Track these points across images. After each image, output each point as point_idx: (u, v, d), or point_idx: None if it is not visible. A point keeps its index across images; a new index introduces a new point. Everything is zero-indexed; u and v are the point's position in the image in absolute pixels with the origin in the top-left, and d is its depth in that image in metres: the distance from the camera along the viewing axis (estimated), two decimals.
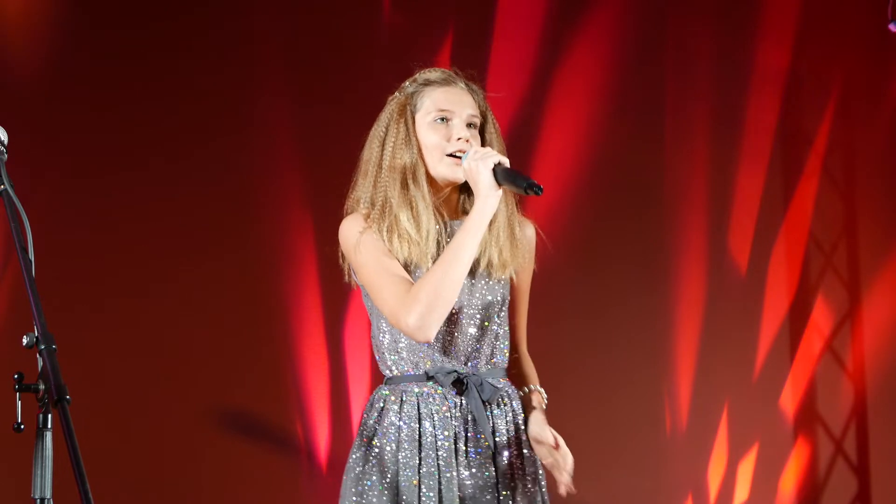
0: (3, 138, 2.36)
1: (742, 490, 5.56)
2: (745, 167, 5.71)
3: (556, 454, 2.79)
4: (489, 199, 2.73)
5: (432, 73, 2.94)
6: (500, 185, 2.74)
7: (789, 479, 5.64)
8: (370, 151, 2.90)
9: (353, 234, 2.82)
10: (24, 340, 2.09)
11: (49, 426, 2.05)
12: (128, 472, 4.79)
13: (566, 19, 5.57)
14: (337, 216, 3.00)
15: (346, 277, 2.94)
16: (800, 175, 5.77)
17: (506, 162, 2.75)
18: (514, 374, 2.96)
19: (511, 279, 2.92)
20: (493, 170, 2.73)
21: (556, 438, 2.79)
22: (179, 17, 5.11)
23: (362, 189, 2.88)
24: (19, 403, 2.06)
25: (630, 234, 5.56)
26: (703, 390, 5.54)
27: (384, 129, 2.89)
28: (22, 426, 2.07)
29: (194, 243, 5.01)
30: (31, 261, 2.17)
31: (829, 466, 5.69)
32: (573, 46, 5.57)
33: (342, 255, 2.90)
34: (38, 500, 2.03)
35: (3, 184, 2.29)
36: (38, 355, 2.08)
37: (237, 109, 5.12)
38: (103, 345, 4.85)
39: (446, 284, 2.70)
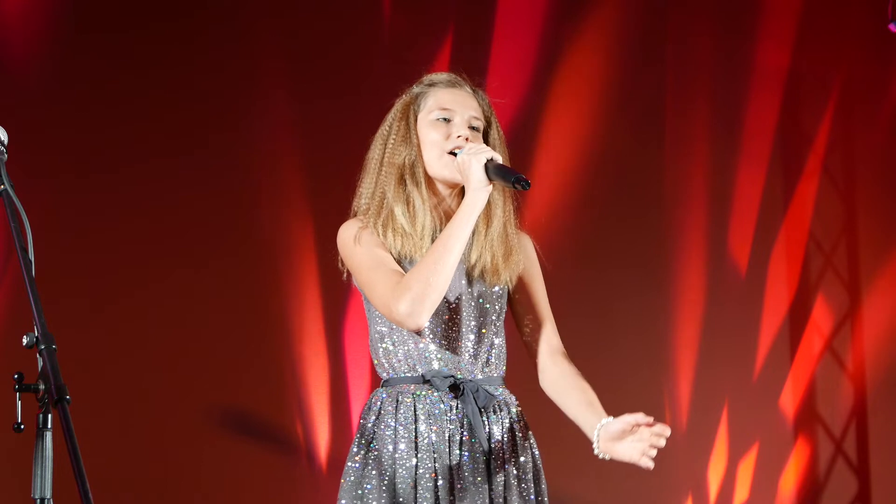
0: (3, 138, 2.36)
1: (742, 490, 5.56)
2: (745, 167, 5.71)
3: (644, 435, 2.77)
4: (479, 192, 2.73)
5: (438, 76, 2.97)
6: (490, 180, 2.74)
7: (789, 479, 5.63)
8: (373, 151, 2.93)
9: (350, 235, 2.84)
10: (24, 340, 2.09)
11: (49, 426, 2.05)
12: (128, 472, 4.79)
13: (566, 19, 5.57)
14: (337, 215, 3.01)
15: (345, 277, 2.96)
16: (800, 175, 5.77)
17: (498, 158, 2.76)
18: (570, 384, 2.94)
19: (519, 284, 2.94)
20: (486, 165, 2.74)
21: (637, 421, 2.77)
22: (179, 17, 5.11)
23: (365, 186, 2.92)
24: (19, 403, 2.06)
25: (630, 234, 5.56)
26: (703, 390, 5.54)
27: (388, 129, 2.93)
28: (22, 426, 2.07)
29: (194, 243, 5.01)
30: (31, 261, 2.17)
31: (829, 466, 5.69)
32: (573, 46, 5.57)
33: (341, 260, 2.91)
34: (38, 500, 2.03)
35: (3, 184, 2.29)
36: (38, 355, 2.08)
37: (237, 109, 5.12)
38: (103, 345, 4.85)
39: (437, 272, 2.70)
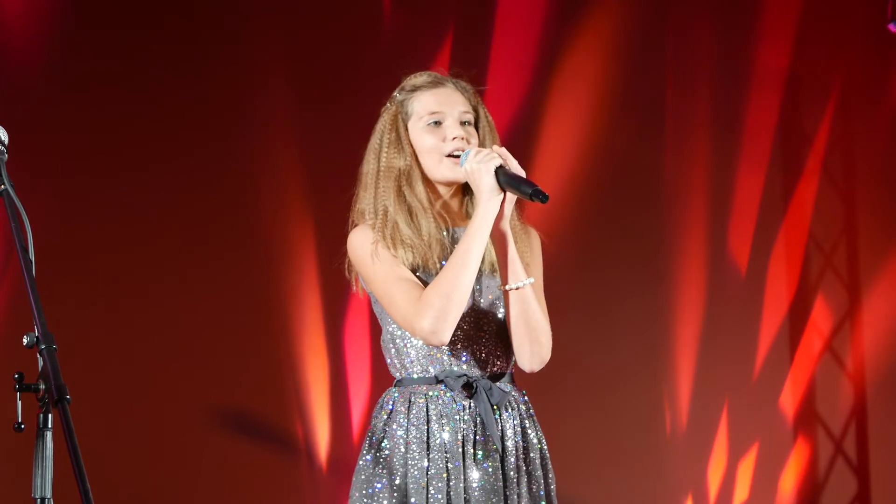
0: (3, 138, 2.36)
1: (742, 490, 5.56)
2: (745, 167, 5.71)
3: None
4: (491, 202, 2.73)
5: (419, 78, 2.94)
6: (502, 188, 2.73)
7: (789, 479, 5.63)
8: (368, 164, 2.91)
9: (366, 246, 2.82)
10: (25, 340, 2.09)
11: (49, 426, 2.05)
12: (128, 472, 4.79)
13: (566, 19, 5.57)
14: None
15: (354, 287, 2.93)
16: (800, 175, 5.77)
17: (511, 163, 2.75)
18: None
19: None
20: (496, 173, 2.73)
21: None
22: (179, 17, 5.11)
23: (364, 201, 2.89)
24: (19, 403, 2.06)
25: (630, 234, 5.56)
26: (703, 390, 5.54)
27: (378, 141, 2.90)
28: (22, 426, 2.07)
29: (194, 243, 5.01)
30: (31, 261, 2.17)
31: (828, 466, 5.69)
32: (573, 46, 5.57)
33: (348, 265, 2.90)
34: (39, 500, 2.03)
35: (3, 184, 2.29)
36: (38, 355, 2.08)
37: (237, 109, 5.12)
38: (103, 345, 4.85)
39: (457, 288, 2.71)
